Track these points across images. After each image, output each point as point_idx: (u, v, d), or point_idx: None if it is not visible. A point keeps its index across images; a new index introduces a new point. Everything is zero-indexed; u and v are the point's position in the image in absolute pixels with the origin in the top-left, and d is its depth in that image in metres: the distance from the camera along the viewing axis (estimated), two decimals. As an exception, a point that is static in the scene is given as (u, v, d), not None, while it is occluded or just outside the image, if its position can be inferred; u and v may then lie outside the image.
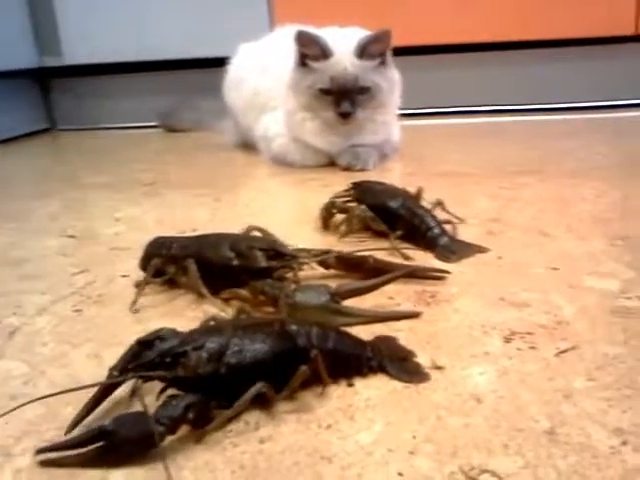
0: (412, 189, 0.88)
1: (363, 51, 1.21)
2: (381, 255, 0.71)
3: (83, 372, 0.54)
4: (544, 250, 0.76)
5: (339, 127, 1.25)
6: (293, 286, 0.62)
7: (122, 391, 0.49)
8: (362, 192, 0.88)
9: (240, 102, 1.48)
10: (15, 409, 0.45)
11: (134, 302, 0.67)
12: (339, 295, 0.61)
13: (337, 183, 1.09)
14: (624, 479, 0.38)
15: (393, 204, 0.82)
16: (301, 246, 0.72)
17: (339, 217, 0.87)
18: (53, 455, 0.42)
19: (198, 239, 0.71)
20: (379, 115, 1.27)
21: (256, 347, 0.47)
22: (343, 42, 1.23)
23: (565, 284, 0.66)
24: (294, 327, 0.49)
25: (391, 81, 1.27)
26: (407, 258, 0.76)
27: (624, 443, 0.41)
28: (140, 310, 0.66)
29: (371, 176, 1.08)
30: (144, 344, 0.48)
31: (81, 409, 0.46)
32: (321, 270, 0.71)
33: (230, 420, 0.45)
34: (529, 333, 0.56)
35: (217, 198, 1.12)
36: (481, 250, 0.77)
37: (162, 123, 2.01)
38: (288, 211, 1.06)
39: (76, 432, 0.44)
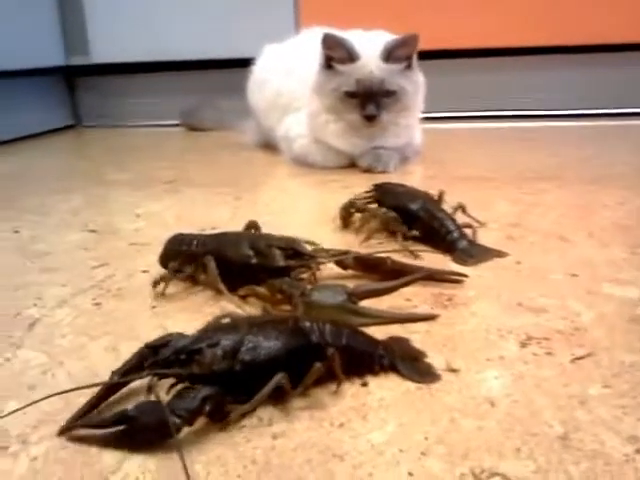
0: (434, 192, 0.87)
1: (389, 55, 1.21)
2: (398, 257, 0.71)
3: (100, 365, 0.55)
4: (564, 256, 0.76)
5: (362, 129, 1.25)
6: (310, 285, 0.62)
7: (138, 386, 0.49)
8: (383, 194, 0.88)
9: (263, 103, 1.49)
10: (36, 402, 0.46)
11: (158, 295, 0.68)
12: (356, 295, 0.61)
13: (358, 185, 1.09)
14: (637, 487, 0.37)
15: (413, 206, 0.82)
16: (320, 246, 0.72)
17: (358, 216, 0.87)
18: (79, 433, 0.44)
19: (217, 237, 0.71)
20: (402, 118, 1.27)
21: (270, 344, 0.47)
22: (369, 45, 1.23)
23: (584, 290, 0.65)
24: (308, 324, 0.50)
25: (416, 84, 1.27)
26: (417, 257, 0.76)
27: (638, 451, 0.40)
28: (158, 305, 0.67)
29: (392, 178, 1.08)
30: (152, 348, 0.48)
31: (82, 406, 0.46)
32: (339, 270, 0.71)
33: (244, 415, 0.46)
34: (546, 338, 0.56)
35: (237, 197, 1.12)
36: (500, 254, 0.76)
37: (184, 122, 2.02)
38: (308, 211, 1.07)
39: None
